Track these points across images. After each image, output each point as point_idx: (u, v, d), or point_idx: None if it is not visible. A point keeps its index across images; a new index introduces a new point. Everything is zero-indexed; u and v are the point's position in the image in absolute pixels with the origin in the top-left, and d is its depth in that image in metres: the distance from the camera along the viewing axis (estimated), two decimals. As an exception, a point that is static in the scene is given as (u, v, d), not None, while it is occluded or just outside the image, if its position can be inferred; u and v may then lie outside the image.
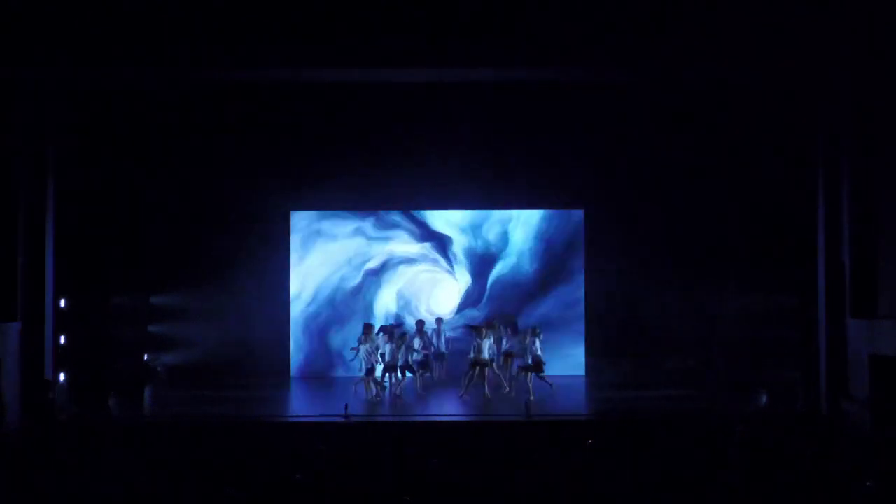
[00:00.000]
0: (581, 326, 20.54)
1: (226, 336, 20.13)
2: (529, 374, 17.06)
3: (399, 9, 14.73)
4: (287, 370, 20.50)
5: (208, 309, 20.22)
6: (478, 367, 17.28)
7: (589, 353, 20.39)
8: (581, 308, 20.56)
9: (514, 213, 20.79)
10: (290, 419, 16.27)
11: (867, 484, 9.29)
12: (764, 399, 16.76)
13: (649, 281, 19.75)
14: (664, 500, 9.29)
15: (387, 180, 20.02)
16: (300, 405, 18.16)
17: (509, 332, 17.96)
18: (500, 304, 20.59)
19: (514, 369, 17.74)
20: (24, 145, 15.90)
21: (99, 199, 18.23)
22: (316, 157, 19.88)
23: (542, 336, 17.34)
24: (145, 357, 19.35)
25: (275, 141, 19.64)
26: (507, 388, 17.51)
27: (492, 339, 17.48)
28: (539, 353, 17.09)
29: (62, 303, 16.79)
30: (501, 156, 19.81)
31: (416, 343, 17.85)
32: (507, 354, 17.83)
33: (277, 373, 20.27)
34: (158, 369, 19.19)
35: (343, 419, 15.34)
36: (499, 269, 20.82)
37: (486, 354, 17.23)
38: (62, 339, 16.72)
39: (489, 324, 18.19)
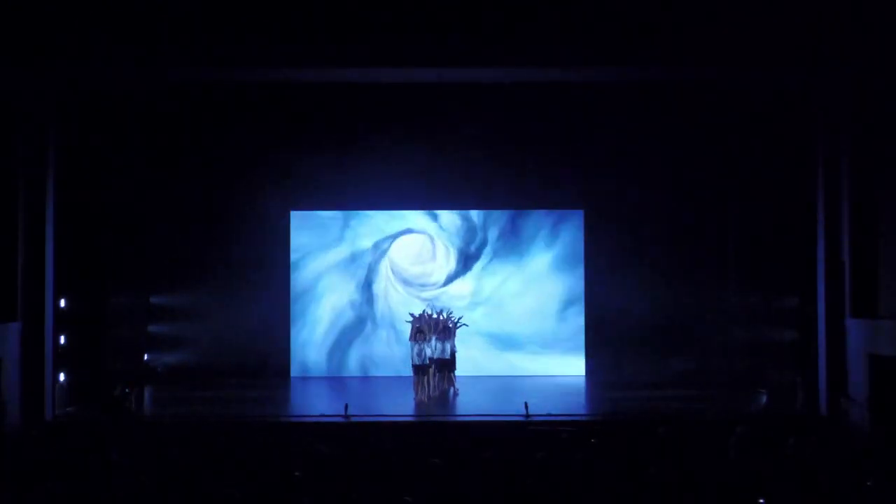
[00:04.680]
0: (581, 327, 20.54)
1: (226, 336, 20.11)
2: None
3: (400, 9, 14.74)
4: (287, 370, 20.50)
5: (208, 309, 20.21)
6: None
7: (589, 353, 20.39)
8: (581, 308, 20.58)
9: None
10: (290, 419, 16.27)
11: (867, 484, 9.28)
12: (764, 399, 16.76)
13: (649, 281, 19.74)
14: (664, 500, 9.29)
15: (387, 180, 20.01)
16: (300, 405, 18.17)
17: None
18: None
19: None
20: (25, 145, 15.89)
21: (99, 199, 18.23)
22: (316, 157, 19.88)
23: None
24: (145, 357, 19.36)
25: (275, 141, 19.64)
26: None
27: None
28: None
29: (62, 303, 16.79)
30: (502, 156, 19.81)
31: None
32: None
33: (277, 373, 20.27)
34: (158, 369, 19.19)
35: (343, 419, 15.34)
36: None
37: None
38: (62, 339, 16.72)
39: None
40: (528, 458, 10.72)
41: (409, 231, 20.85)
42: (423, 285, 20.79)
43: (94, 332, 18.04)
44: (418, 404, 17.14)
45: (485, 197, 20.42)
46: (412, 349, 17.46)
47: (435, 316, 18.04)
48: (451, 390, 17.77)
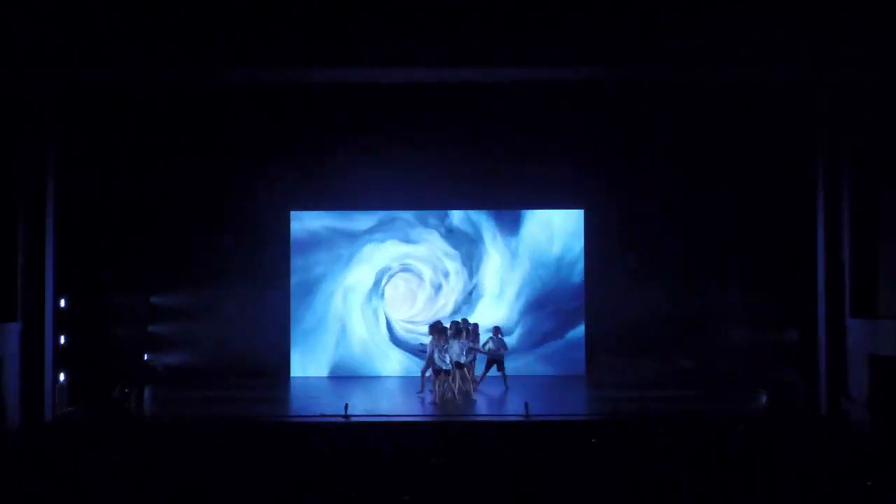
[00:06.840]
0: (581, 326, 20.54)
1: (226, 336, 20.12)
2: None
3: (400, 9, 14.73)
4: (287, 370, 20.51)
5: (208, 309, 20.22)
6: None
7: (589, 353, 20.40)
8: (581, 308, 20.58)
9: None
10: (290, 419, 16.27)
11: (867, 484, 9.28)
12: (764, 399, 16.77)
13: (649, 281, 19.74)
14: (664, 500, 9.29)
15: (387, 180, 19.99)
16: (300, 405, 18.16)
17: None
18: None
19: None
20: (24, 145, 15.89)
21: (99, 199, 18.23)
22: (316, 157, 19.88)
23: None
24: (145, 357, 19.36)
25: (275, 141, 19.64)
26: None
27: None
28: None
29: (62, 303, 16.79)
30: (502, 156, 19.81)
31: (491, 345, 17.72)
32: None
33: (277, 373, 20.28)
34: (158, 369, 19.20)
35: (343, 419, 15.34)
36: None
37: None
38: (62, 339, 16.73)
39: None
40: (527, 458, 10.73)
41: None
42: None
43: (94, 332, 18.05)
44: (430, 404, 17.06)
45: (485, 197, 20.42)
46: (435, 352, 17.31)
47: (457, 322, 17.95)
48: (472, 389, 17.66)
